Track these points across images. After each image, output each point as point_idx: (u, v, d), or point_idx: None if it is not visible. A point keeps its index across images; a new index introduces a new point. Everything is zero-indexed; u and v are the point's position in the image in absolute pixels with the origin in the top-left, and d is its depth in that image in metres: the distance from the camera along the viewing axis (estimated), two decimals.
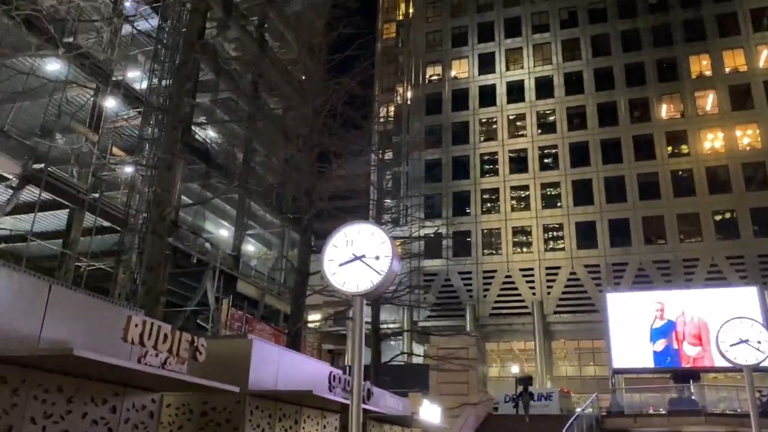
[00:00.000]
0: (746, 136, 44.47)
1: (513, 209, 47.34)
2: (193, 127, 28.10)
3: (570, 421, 19.89)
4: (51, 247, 19.92)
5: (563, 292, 43.95)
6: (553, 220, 46.18)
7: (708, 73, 46.57)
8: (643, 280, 42.41)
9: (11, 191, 17.48)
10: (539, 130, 49.11)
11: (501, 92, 51.18)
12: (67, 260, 19.20)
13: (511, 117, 50.29)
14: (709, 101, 46.16)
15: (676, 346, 26.41)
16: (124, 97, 22.61)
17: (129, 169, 23.70)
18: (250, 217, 33.58)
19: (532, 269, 45.15)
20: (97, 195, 20.81)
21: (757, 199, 42.11)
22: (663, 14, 48.63)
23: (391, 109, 53.28)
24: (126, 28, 24.58)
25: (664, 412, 24.96)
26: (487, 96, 51.40)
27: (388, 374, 22.62)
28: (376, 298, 20.31)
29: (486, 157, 49.56)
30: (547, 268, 44.85)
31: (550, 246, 45.78)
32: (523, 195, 47.65)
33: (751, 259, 40.88)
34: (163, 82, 22.10)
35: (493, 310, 44.79)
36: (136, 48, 25.10)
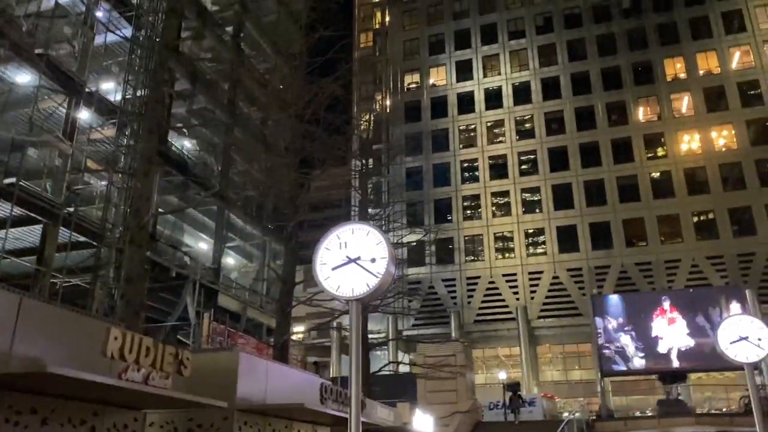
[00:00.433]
0: (722, 137, 45.03)
1: (494, 215, 47.34)
2: (169, 138, 27.59)
3: (561, 426, 19.66)
4: (24, 264, 19.27)
5: (547, 297, 43.94)
6: (535, 225, 46.26)
7: (683, 75, 47.14)
8: (625, 282, 42.57)
9: None
10: (518, 136, 49.25)
11: (479, 99, 51.30)
12: (41, 277, 18.56)
13: (489, 123, 50.41)
14: (684, 103, 46.69)
15: (663, 348, 26.39)
16: (98, 109, 22.08)
17: (105, 182, 23.12)
18: (229, 229, 33.01)
19: (515, 274, 45.11)
20: (71, 209, 20.19)
21: (734, 199, 42.58)
22: (637, 18, 49.19)
23: (371, 119, 53.09)
24: (99, 39, 24.08)
25: (653, 414, 24.86)
26: (466, 103, 51.49)
27: (377, 384, 22.24)
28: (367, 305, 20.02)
29: (466, 164, 49.56)
30: (530, 273, 44.85)
31: (532, 251, 45.82)
32: (503, 201, 47.69)
33: (731, 259, 41.25)
34: (138, 92, 21.64)
35: (478, 316, 44.62)
36: (109, 59, 24.58)
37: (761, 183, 42.46)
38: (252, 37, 35.62)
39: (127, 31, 24.52)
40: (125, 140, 20.94)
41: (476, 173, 48.97)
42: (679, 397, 26.14)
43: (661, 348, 26.19)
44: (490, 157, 49.10)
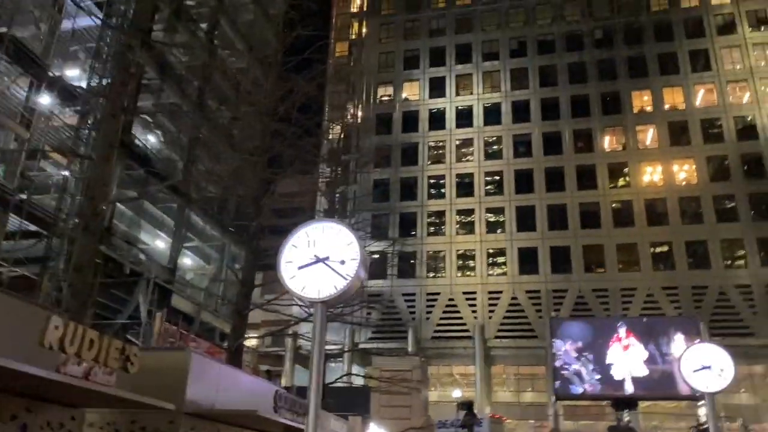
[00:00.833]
0: (683, 171, 46.09)
1: (458, 232, 47.44)
2: (133, 131, 26.84)
3: None
4: None
5: (504, 317, 44.10)
6: (497, 245, 46.49)
7: (649, 108, 48.22)
8: (582, 307, 43.02)
9: None
10: (486, 156, 49.59)
11: (450, 116, 51.57)
12: None
13: (459, 141, 50.67)
14: (649, 135, 47.73)
15: (618, 374, 26.59)
16: (61, 95, 21.32)
17: (62, 171, 22.29)
18: (188, 229, 32.22)
19: (474, 293, 45.19)
20: (24, 196, 19.34)
21: (691, 232, 43.53)
22: (608, 50, 50.22)
23: (341, 128, 52.81)
24: (68, 23, 23.34)
25: None
26: (437, 119, 51.72)
27: (330, 396, 21.78)
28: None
29: (433, 180, 49.65)
30: (489, 292, 44.99)
31: (493, 270, 46.00)
32: (468, 218, 47.85)
33: (684, 291, 42.08)
34: (105, 81, 20.96)
35: (435, 332, 44.49)
36: (77, 44, 23.82)
37: (718, 218, 43.54)
38: (226, 35, 35.10)
39: (97, 18, 23.84)
40: (87, 129, 20.19)
41: (443, 189, 49.09)
42: (630, 424, 26.35)
43: (616, 374, 26.38)
44: (457, 175, 49.30)
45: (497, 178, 48.72)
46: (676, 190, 45.18)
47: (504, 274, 45.48)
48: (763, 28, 48.26)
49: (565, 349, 27.01)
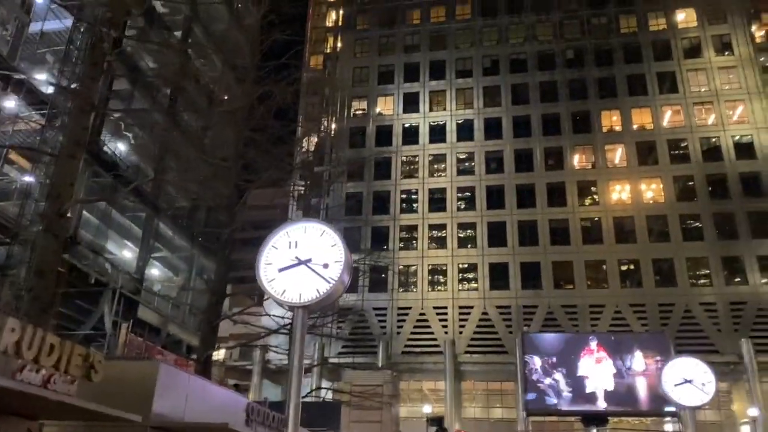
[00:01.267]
0: (650, 190, 46.85)
1: (430, 247, 47.40)
2: (101, 138, 26.24)
3: None
4: None
5: (475, 332, 44.04)
6: (468, 260, 46.53)
7: (618, 128, 49.03)
8: (551, 323, 43.20)
9: None
10: (458, 172, 49.79)
11: (423, 132, 51.73)
12: None
13: (432, 156, 50.80)
14: (618, 154, 48.48)
15: (589, 388, 26.65)
16: (27, 98, 20.73)
17: (26, 177, 21.62)
18: (157, 239, 31.59)
19: (445, 308, 45.09)
20: None
21: (658, 250, 44.17)
22: (579, 70, 51.05)
23: (315, 140, 52.61)
24: (36, 26, 22.81)
25: None
26: (410, 134, 51.83)
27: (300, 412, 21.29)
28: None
29: (406, 194, 49.63)
30: (460, 308, 44.93)
31: (464, 286, 45.99)
32: (440, 233, 47.86)
33: (652, 308, 42.58)
34: (73, 85, 20.43)
35: (406, 347, 44.18)
36: (45, 47, 23.26)
37: (684, 237, 44.29)
38: (200, 44, 34.74)
39: (68, 22, 23.35)
40: (54, 131, 19.61)
41: (415, 204, 49.09)
42: None
43: (589, 387, 26.45)
44: (430, 190, 49.37)
45: (469, 193, 48.91)
46: (643, 208, 45.88)
47: (475, 289, 45.51)
48: (726, 53, 49.60)
49: (536, 364, 27.02)
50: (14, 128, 22.25)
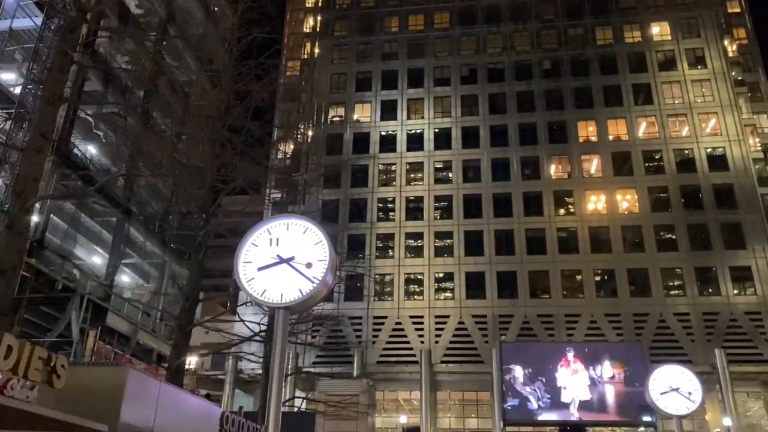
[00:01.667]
0: (625, 201, 47.26)
1: (407, 256, 47.14)
2: (72, 140, 25.55)
3: None
4: None
5: (451, 342, 43.82)
6: (445, 269, 46.37)
7: (594, 138, 49.45)
8: (527, 332, 43.19)
9: None
10: (435, 180, 49.72)
11: (401, 139, 51.61)
12: None
13: (409, 164, 50.67)
14: (593, 165, 48.86)
15: (566, 398, 26.55)
16: None
17: None
18: (128, 245, 30.84)
19: (422, 317, 44.81)
20: None
21: (633, 260, 44.51)
22: (555, 80, 51.46)
23: (291, 146, 52.11)
24: (5, 23, 22.14)
25: None
26: (388, 142, 51.67)
27: None
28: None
29: (383, 202, 49.37)
30: (436, 317, 44.69)
31: (440, 295, 45.80)
32: (416, 242, 47.66)
33: (627, 317, 42.82)
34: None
35: (381, 357, 43.76)
36: (13, 45, 22.58)
37: (658, 248, 44.71)
38: (176, 47, 34.18)
39: (38, 20, 22.72)
40: (22, 134, 18.96)
41: (392, 212, 48.85)
42: None
43: (565, 398, 26.35)
44: (407, 198, 49.20)
45: (446, 202, 48.84)
46: (618, 218, 46.24)
47: (452, 298, 45.34)
48: (700, 66, 50.44)
49: (514, 373, 26.86)
50: None
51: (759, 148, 50.68)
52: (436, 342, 43.85)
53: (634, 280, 44.31)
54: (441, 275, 46.41)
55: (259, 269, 4.25)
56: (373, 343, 44.14)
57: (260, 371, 25.28)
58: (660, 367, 8.14)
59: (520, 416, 28.00)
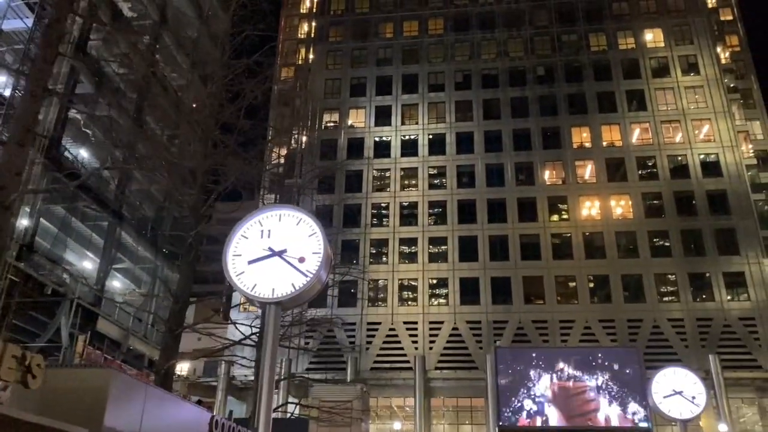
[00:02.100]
0: (619, 206, 47.23)
1: (401, 261, 46.92)
2: (63, 143, 25.28)
3: None
4: None
5: (445, 348, 43.57)
6: (439, 275, 46.18)
7: (588, 144, 49.45)
8: (522, 338, 42.99)
9: None
10: (430, 186, 49.59)
11: (395, 145, 51.48)
12: None
13: (403, 170, 50.52)
14: (587, 170, 48.83)
15: (561, 405, 26.35)
16: None
17: None
18: (119, 249, 30.54)
19: (416, 323, 44.55)
20: None
21: (627, 266, 44.43)
22: (549, 86, 51.50)
23: (284, 151, 51.85)
24: None
25: None
26: (382, 147, 51.53)
27: None
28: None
29: (377, 208, 49.18)
30: (430, 323, 44.44)
31: (435, 300, 45.58)
32: (411, 247, 47.45)
33: (621, 323, 42.69)
34: None
35: (375, 363, 43.44)
36: (3, 45, 22.33)
37: (652, 253, 44.67)
38: (169, 50, 34.00)
39: (29, 21, 22.49)
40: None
41: (386, 218, 48.65)
42: None
43: (560, 404, 26.15)
44: (401, 203, 49.02)
45: (440, 208, 48.68)
46: (613, 224, 46.18)
47: (446, 304, 45.12)
48: (693, 73, 50.59)
49: (508, 379, 26.65)
50: None
51: (752, 154, 50.84)
52: (430, 348, 43.58)
53: (628, 285, 44.21)
54: (435, 281, 46.21)
55: (250, 262, 4.06)
56: (367, 349, 43.85)
57: (253, 378, 24.99)
58: (662, 369, 7.95)
59: (513, 425, 27.75)
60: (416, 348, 43.57)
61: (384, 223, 48.58)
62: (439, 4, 56.77)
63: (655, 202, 46.70)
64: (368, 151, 51.27)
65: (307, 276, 3.95)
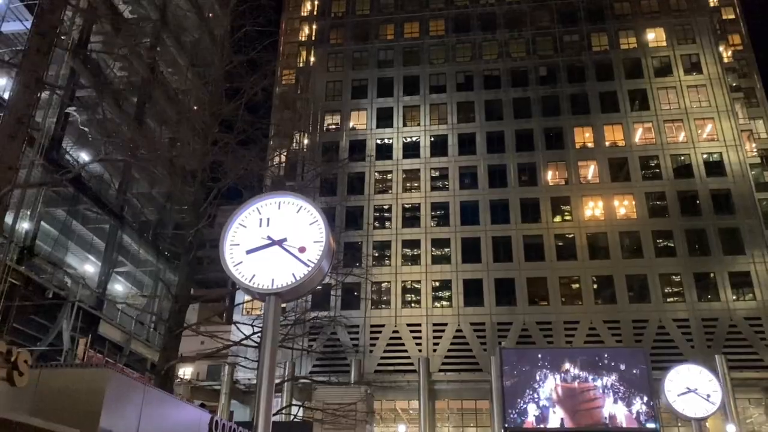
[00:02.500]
0: (623, 207, 46.98)
1: (404, 263, 46.69)
2: (63, 145, 25.15)
3: None
4: None
5: (449, 350, 43.30)
6: (442, 276, 45.94)
7: (590, 144, 49.22)
8: (526, 340, 42.71)
9: None
10: (432, 187, 49.39)
11: (397, 147, 51.31)
12: None
13: (405, 172, 50.34)
14: (590, 171, 48.60)
15: (567, 406, 26.09)
16: None
17: None
18: (121, 253, 30.36)
19: (419, 325, 44.31)
20: None
21: (631, 266, 44.15)
22: (552, 86, 51.30)
23: (285, 154, 51.69)
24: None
25: None
26: (384, 149, 51.36)
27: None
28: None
29: (379, 210, 48.98)
30: (434, 325, 44.19)
31: (438, 303, 45.34)
32: (413, 249, 47.23)
33: (626, 324, 42.41)
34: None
35: (379, 366, 43.20)
36: (3, 47, 22.22)
37: (656, 253, 44.40)
38: (170, 53, 33.88)
39: (29, 23, 22.35)
40: None
41: (388, 220, 48.45)
42: None
43: (566, 405, 25.89)
44: (403, 206, 48.82)
45: (443, 210, 48.47)
46: (616, 224, 45.92)
47: (450, 306, 44.86)
48: (695, 72, 50.36)
49: (514, 380, 26.40)
50: None
51: (756, 153, 50.58)
52: (434, 350, 43.33)
53: (633, 286, 43.93)
54: (438, 283, 45.97)
55: (248, 252, 3.86)
56: (371, 351, 43.61)
57: (256, 381, 24.77)
58: (676, 366, 7.73)
59: (519, 427, 27.48)
60: (420, 350, 43.33)
61: (386, 225, 48.37)
62: (440, 5, 56.63)
63: (658, 202, 46.45)
64: (370, 156, 51.04)
65: (308, 266, 3.76)
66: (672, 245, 44.79)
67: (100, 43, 26.91)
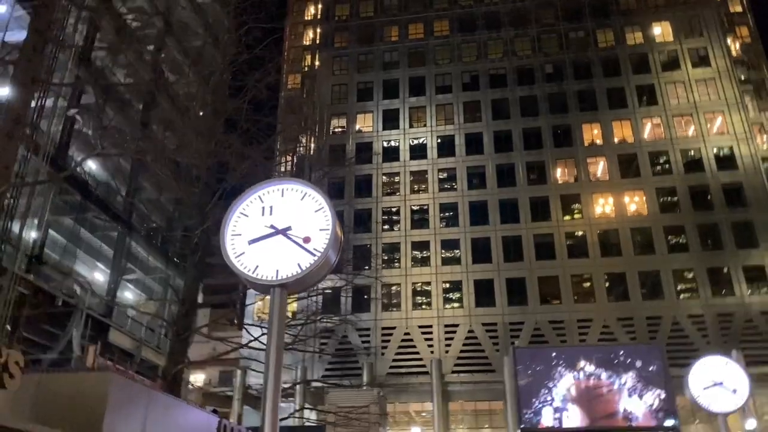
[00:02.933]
0: (634, 203, 46.53)
1: (413, 265, 46.42)
2: (69, 153, 25.08)
3: None
4: None
5: (461, 351, 42.98)
6: (453, 278, 45.62)
7: (599, 141, 48.82)
8: (539, 339, 42.32)
9: None
10: (440, 188, 49.12)
11: (404, 148, 51.10)
12: None
13: (413, 173, 50.11)
14: (600, 168, 48.19)
15: (583, 405, 25.73)
16: None
17: None
18: (130, 260, 30.27)
19: (431, 326, 44.00)
20: None
21: (644, 262, 43.69)
22: (558, 84, 50.94)
23: (290, 158, 51.59)
24: None
25: None
26: (391, 151, 51.16)
27: None
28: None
29: (387, 212, 48.75)
30: (445, 326, 43.88)
31: (449, 304, 45.02)
32: (423, 251, 46.95)
33: (639, 321, 41.96)
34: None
35: (391, 368, 42.92)
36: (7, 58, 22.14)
37: (669, 249, 43.92)
38: (174, 59, 33.81)
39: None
40: None
41: (397, 222, 48.20)
42: None
43: (582, 405, 25.54)
44: (412, 207, 48.57)
45: (452, 210, 48.18)
46: (627, 221, 45.48)
47: (461, 307, 44.53)
48: (704, 66, 49.86)
49: (529, 379, 26.07)
50: None
51: (767, 146, 49.99)
52: (446, 352, 43.01)
53: (646, 282, 43.47)
54: (449, 284, 45.66)
55: (251, 242, 3.64)
56: (383, 353, 43.34)
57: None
58: (702, 358, 7.44)
59: (535, 427, 27.13)
60: (432, 352, 43.01)
61: (395, 227, 48.12)
62: (444, 6, 56.43)
63: (669, 197, 45.99)
64: (377, 155, 50.87)
65: (314, 255, 3.53)
66: (684, 241, 44.30)
67: (105, 49, 26.84)
